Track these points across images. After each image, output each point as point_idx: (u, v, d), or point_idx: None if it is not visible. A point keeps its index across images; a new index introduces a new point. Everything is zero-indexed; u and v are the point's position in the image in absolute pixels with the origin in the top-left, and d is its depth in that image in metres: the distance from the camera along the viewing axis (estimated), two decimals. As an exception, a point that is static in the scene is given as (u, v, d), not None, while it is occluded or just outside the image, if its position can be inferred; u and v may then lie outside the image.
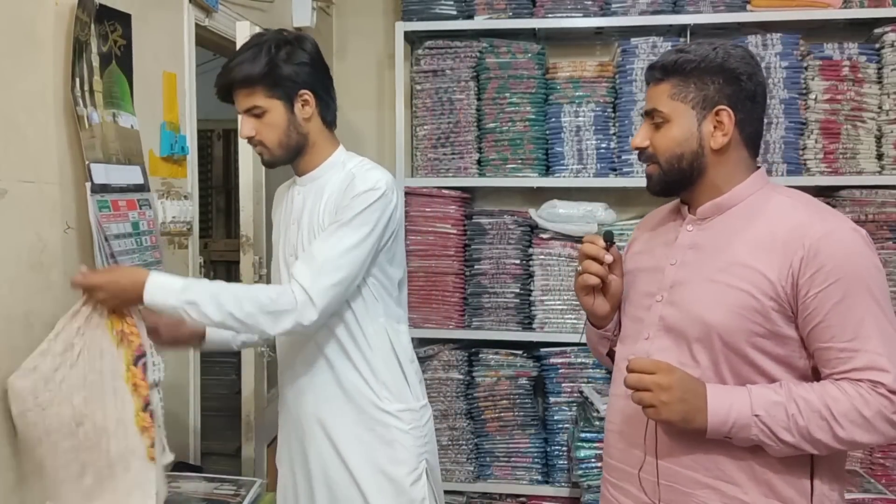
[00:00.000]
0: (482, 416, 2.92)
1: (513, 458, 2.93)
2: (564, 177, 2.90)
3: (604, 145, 2.88)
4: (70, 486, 1.47)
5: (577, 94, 2.89)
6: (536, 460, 2.92)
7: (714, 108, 1.33)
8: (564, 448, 2.88)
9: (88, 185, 1.69)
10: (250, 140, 1.72)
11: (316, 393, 1.74)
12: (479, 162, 2.96)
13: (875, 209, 2.71)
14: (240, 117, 1.72)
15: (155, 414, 1.51)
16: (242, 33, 2.25)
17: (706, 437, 1.27)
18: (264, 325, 1.57)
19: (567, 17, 2.90)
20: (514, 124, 2.91)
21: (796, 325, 1.26)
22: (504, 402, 2.91)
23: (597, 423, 2.62)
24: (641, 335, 1.39)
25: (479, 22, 2.93)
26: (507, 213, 2.96)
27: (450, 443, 2.90)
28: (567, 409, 2.89)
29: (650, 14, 2.85)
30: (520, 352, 2.95)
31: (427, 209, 2.95)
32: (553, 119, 2.90)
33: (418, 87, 2.98)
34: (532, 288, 2.91)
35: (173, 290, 1.52)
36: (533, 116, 2.91)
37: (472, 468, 2.92)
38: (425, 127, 2.97)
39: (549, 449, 2.92)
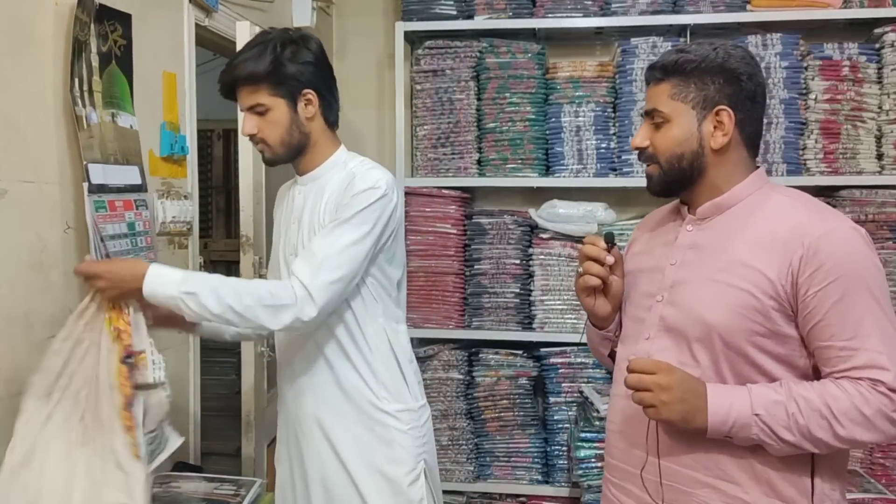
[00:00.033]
0: (482, 416, 2.92)
1: (513, 458, 2.93)
2: (564, 177, 2.90)
3: (604, 145, 2.88)
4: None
5: (577, 94, 2.89)
6: (536, 460, 2.92)
7: (714, 108, 1.33)
8: (564, 448, 2.88)
9: (86, 185, 1.69)
10: (252, 138, 1.72)
11: (315, 393, 1.74)
12: (479, 162, 2.96)
13: (875, 209, 2.71)
14: (242, 114, 1.72)
15: (135, 415, 1.50)
16: (242, 33, 2.26)
17: (707, 437, 1.27)
18: (263, 319, 1.56)
19: (567, 17, 2.90)
20: (514, 124, 2.91)
21: (796, 324, 1.27)
22: (504, 402, 2.91)
23: (597, 423, 2.62)
24: (642, 335, 1.39)
25: (479, 22, 2.93)
26: (507, 213, 2.96)
27: (450, 443, 2.90)
28: (567, 409, 2.89)
29: (650, 14, 2.85)
30: (520, 352, 2.95)
31: (427, 209, 2.95)
32: (553, 119, 2.90)
33: (418, 87, 2.98)
34: (532, 288, 2.91)
35: (173, 281, 1.52)
36: (533, 116, 2.91)
37: (472, 468, 2.91)
38: (425, 127, 2.97)
39: (549, 449, 2.92)
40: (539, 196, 2.98)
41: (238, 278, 1.64)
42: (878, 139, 2.75)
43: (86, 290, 1.71)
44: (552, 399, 2.91)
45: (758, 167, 1.39)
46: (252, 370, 2.41)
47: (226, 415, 3.23)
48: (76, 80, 1.71)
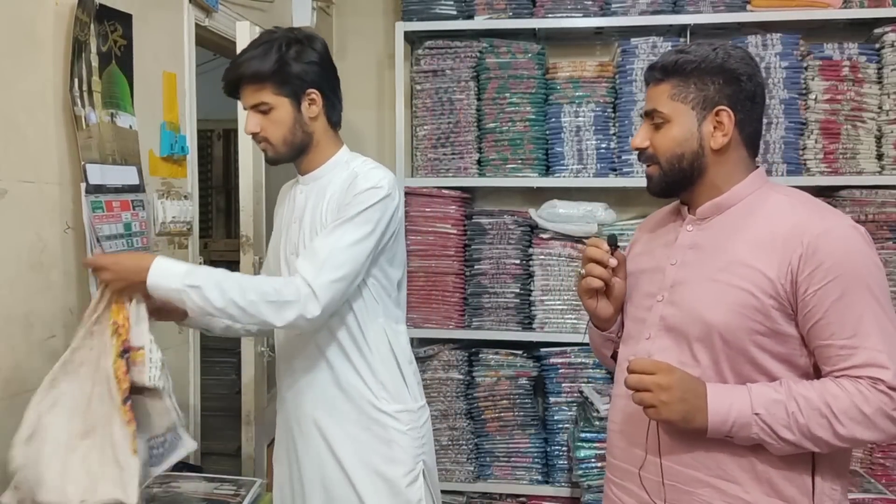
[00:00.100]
0: (482, 416, 2.92)
1: (513, 458, 2.93)
2: (564, 177, 2.90)
3: (604, 145, 2.88)
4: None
5: (577, 94, 2.89)
6: (536, 460, 2.92)
7: (714, 108, 1.33)
8: (564, 448, 2.88)
9: (83, 185, 1.70)
10: (255, 136, 1.72)
11: (314, 393, 1.74)
12: (479, 162, 2.96)
13: (875, 209, 2.71)
14: (245, 113, 1.72)
15: (133, 411, 1.50)
16: (242, 33, 2.26)
17: (707, 437, 1.27)
18: (266, 315, 1.55)
19: (567, 17, 2.90)
20: (514, 124, 2.91)
21: (796, 323, 1.27)
22: (504, 402, 2.91)
23: (597, 423, 2.61)
24: (643, 335, 1.39)
25: (479, 22, 2.93)
26: (507, 213, 2.96)
27: (450, 443, 2.90)
28: (567, 409, 2.89)
29: (650, 14, 2.85)
30: (520, 352, 2.95)
31: (427, 209, 2.95)
32: (553, 119, 2.90)
33: (418, 87, 2.98)
34: (532, 288, 2.91)
35: (177, 274, 1.52)
36: (533, 116, 2.91)
37: (472, 468, 2.92)
38: (425, 127, 2.97)
39: (549, 449, 2.92)
40: (539, 196, 2.98)
41: (242, 274, 1.63)
42: (878, 139, 2.75)
43: (86, 289, 1.71)
44: (552, 399, 2.91)
45: (757, 167, 1.39)
46: (252, 370, 2.41)
47: (226, 415, 3.23)
48: (76, 80, 1.71)
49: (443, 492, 2.52)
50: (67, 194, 1.72)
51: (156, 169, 2.11)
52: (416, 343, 2.92)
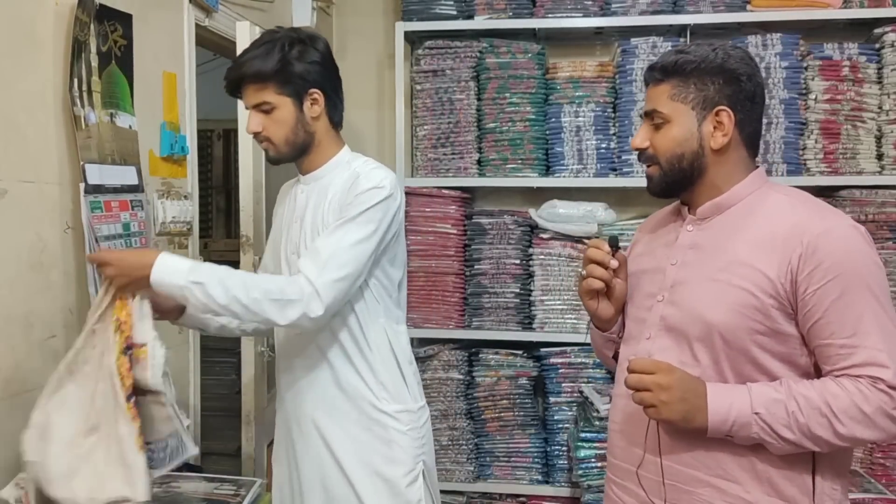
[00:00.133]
0: (482, 416, 2.92)
1: (513, 458, 2.93)
2: (564, 177, 2.90)
3: (604, 145, 2.88)
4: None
5: (577, 94, 2.89)
6: (536, 460, 2.92)
7: (714, 108, 1.33)
8: (564, 448, 2.88)
9: (82, 185, 1.69)
10: (257, 136, 1.72)
11: (314, 393, 1.74)
12: (479, 162, 2.96)
13: (875, 209, 2.71)
14: (247, 112, 1.72)
15: (140, 406, 1.50)
16: (242, 33, 2.26)
17: (707, 436, 1.27)
18: (269, 313, 1.55)
19: (567, 17, 2.90)
20: (514, 124, 2.91)
21: (796, 323, 1.27)
22: (504, 402, 2.91)
23: (597, 423, 2.61)
24: (643, 335, 1.40)
25: (479, 22, 2.93)
26: (507, 213, 2.96)
27: (450, 443, 2.90)
28: (567, 409, 2.89)
29: (650, 14, 2.85)
30: (520, 352, 2.94)
31: (427, 209, 2.95)
32: (553, 119, 2.90)
33: (418, 87, 2.98)
34: (532, 288, 2.91)
35: (180, 270, 1.51)
36: (533, 116, 2.91)
37: (472, 468, 2.91)
38: (425, 127, 2.97)
39: (549, 449, 2.92)
40: (539, 196, 2.98)
41: (246, 272, 1.63)
42: (878, 139, 2.75)
43: (86, 289, 1.71)
44: (552, 399, 2.91)
45: (757, 167, 1.39)
46: (252, 370, 2.41)
47: (226, 415, 3.23)
48: (75, 80, 1.71)
49: (443, 492, 2.53)
50: (67, 194, 1.72)
51: (156, 169, 2.11)
52: (416, 343, 2.92)
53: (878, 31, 2.76)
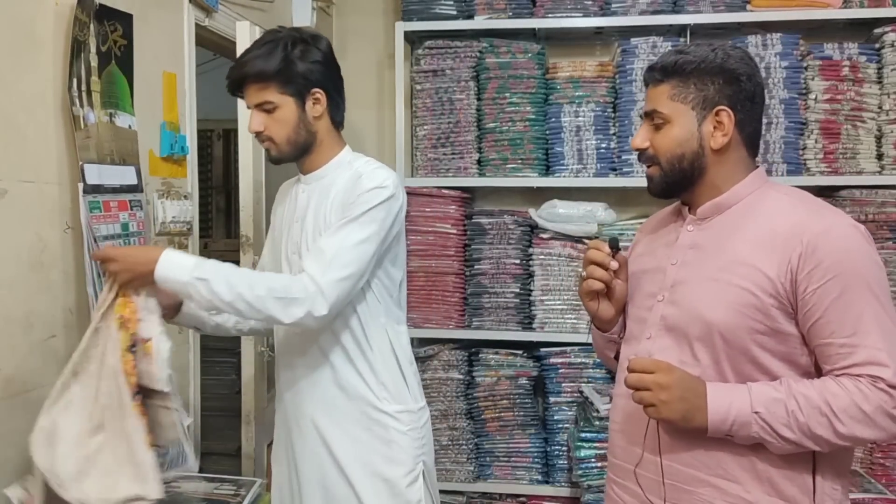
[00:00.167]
0: (482, 416, 2.92)
1: (513, 458, 2.93)
2: (564, 177, 2.90)
3: (604, 145, 2.88)
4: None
5: (577, 94, 2.89)
6: (536, 460, 2.92)
7: (714, 108, 1.33)
8: (564, 448, 2.88)
9: (81, 185, 1.69)
10: (258, 135, 1.71)
11: (314, 393, 1.74)
12: (479, 162, 2.96)
13: (875, 209, 2.71)
14: (248, 111, 1.72)
15: (147, 407, 1.50)
16: (242, 33, 2.26)
17: (707, 436, 1.27)
18: (274, 311, 1.55)
19: (567, 17, 2.90)
20: (514, 124, 2.91)
21: (796, 322, 1.27)
22: (504, 401, 2.91)
23: (597, 423, 2.61)
24: (644, 335, 1.40)
25: (479, 22, 2.93)
26: (507, 213, 2.96)
27: (450, 443, 2.90)
28: (567, 408, 2.89)
29: (650, 14, 2.85)
30: (520, 352, 2.94)
31: (427, 209, 2.95)
32: (553, 119, 2.90)
33: (418, 87, 2.98)
34: (532, 288, 2.91)
35: (185, 266, 1.51)
36: (533, 116, 2.91)
37: (472, 468, 2.91)
38: (425, 127, 2.97)
39: (549, 449, 2.92)
40: (539, 196, 2.98)
41: (250, 269, 1.63)
42: (878, 139, 2.75)
43: (86, 289, 1.71)
44: (552, 399, 2.91)
45: (757, 167, 1.40)
46: (252, 370, 2.41)
47: (226, 415, 3.23)
48: (74, 80, 1.71)
49: (443, 492, 2.53)
50: (67, 194, 1.72)
51: (156, 169, 2.11)
52: (416, 343, 2.92)
53: (878, 31, 2.76)
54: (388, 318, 1.75)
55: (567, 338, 2.86)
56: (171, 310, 1.69)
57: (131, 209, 1.89)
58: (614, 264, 1.42)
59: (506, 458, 2.93)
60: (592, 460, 2.63)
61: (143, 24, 2.02)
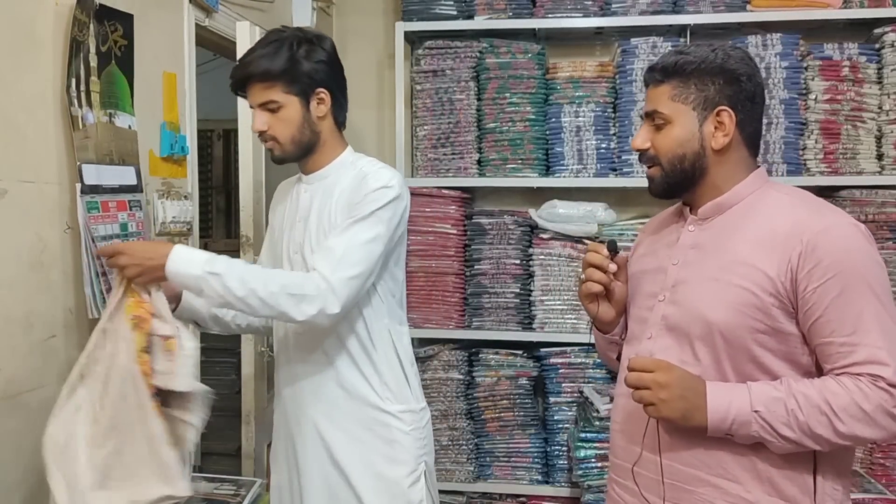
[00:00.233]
0: (482, 416, 2.92)
1: (513, 458, 2.93)
2: (564, 177, 2.90)
3: (604, 145, 2.88)
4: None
5: (577, 94, 2.89)
6: (536, 460, 2.92)
7: (715, 108, 1.33)
8: (564, 448, 2.88)
9: (79, 185, 1.69)
10: (262, 135, 1.71)
11: (315, 393, 1.74)
12: (479, 162, 2.96)
13: (875, 209, 2.71)
14: (251, 111, 1.72)
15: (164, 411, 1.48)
16: (242, 33, 2.26)
17: (707, 435, 1.27)
18: (286, 307, 1.54)
19: (567, 17, 2.90)
20: (514, 124, 2.91)
21: (797, 321, 1.27)
22: (504, 402, 2.91)
23: (597, 423, 2.61)
24: (645, 335, 1.40)
25: (479, 22, 2.93)
26: (507, 213, 2.96)
27: (450, 443, 2.90)
28: (567, 409, 2.89)
29: (650, 14, 2.85)
30: (520, 352, 2.94)
31: (427, 209, 2.95)
32: (553, 119, 2.90)
33: (418, 87, 2.98)
34: (532, 288, 2.91)
35: (197, 261, 1.51)
36: (533, 116, 2.91)
37: (472, 468, 2.91)
38: (425, 127, 2.97)
39: (549, 449, 2.92)
40: (539, 196, 2.98)
41: (260, 266, 1.63)
42: (878, 139, 2.75)
43: (84, 289, 1.71)
44: (552, 399, 2.91)
45: (758, 167, 1.40)
46: (252, 370, 2.41)
47: (226, 415, 3.22)
48: (73, 80, 1.71)
49: (443, 492, 2.53)
50: (67, 194, 1.72)
51: (156, 169, 2.11)
52: (417, 343, 2.92)
53: (878, 31, 2.76)
54: (391, 319, 1.75)
55: (567, 338, 2.86)
56: (172, 301, 1.67)
57: (130, 209, 1.89)
58: (613, 267, 1.43)
59: (506, 459, 2.93)
60: (592, 460, 2.63)
61: (144, 24, 2.02)
